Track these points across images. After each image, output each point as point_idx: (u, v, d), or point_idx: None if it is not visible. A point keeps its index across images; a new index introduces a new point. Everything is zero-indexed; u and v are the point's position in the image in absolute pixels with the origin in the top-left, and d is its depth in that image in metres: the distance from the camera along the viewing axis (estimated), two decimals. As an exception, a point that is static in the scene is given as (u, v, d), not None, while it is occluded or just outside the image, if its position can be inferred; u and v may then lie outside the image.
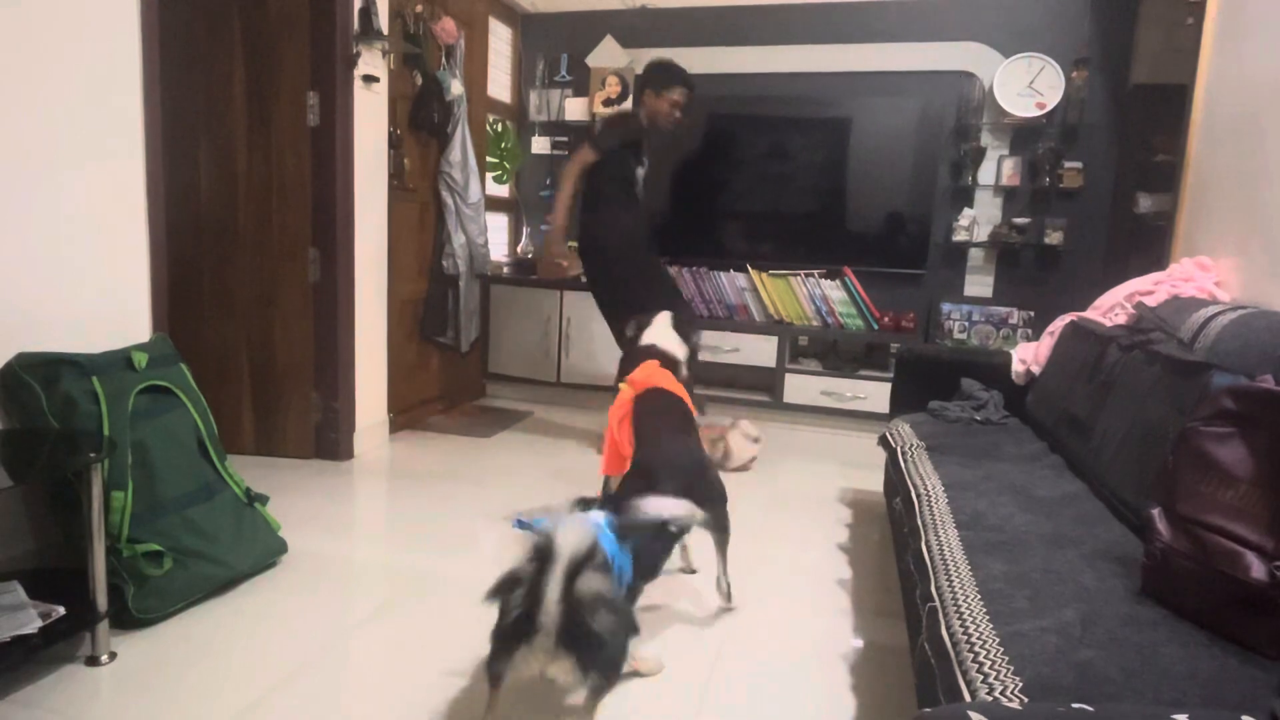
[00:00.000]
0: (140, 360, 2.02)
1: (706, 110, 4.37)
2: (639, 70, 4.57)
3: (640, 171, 3.46)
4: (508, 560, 1.39)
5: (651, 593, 2.09)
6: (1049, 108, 3.90)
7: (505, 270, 4.53)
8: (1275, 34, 2.04)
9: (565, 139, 4.68)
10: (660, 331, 2.51)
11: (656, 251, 3.66)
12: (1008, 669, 1.06)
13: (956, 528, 1.62)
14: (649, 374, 2.19)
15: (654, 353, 2.38)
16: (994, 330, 4.06)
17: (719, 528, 1.99)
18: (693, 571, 2.27)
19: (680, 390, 2.18)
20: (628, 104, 4.55)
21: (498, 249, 4.61)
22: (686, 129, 4.36)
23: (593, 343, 4.21)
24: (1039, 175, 4.00)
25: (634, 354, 2.41)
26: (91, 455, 1.67)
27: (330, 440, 3.20)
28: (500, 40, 4.54)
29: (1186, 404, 1.52)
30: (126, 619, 1.84)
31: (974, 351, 3.68)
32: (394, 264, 3.50)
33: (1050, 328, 2.63)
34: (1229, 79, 2.30)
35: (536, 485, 3.06)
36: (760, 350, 4.18)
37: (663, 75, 3.36)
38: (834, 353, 4.31)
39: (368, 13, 3.04)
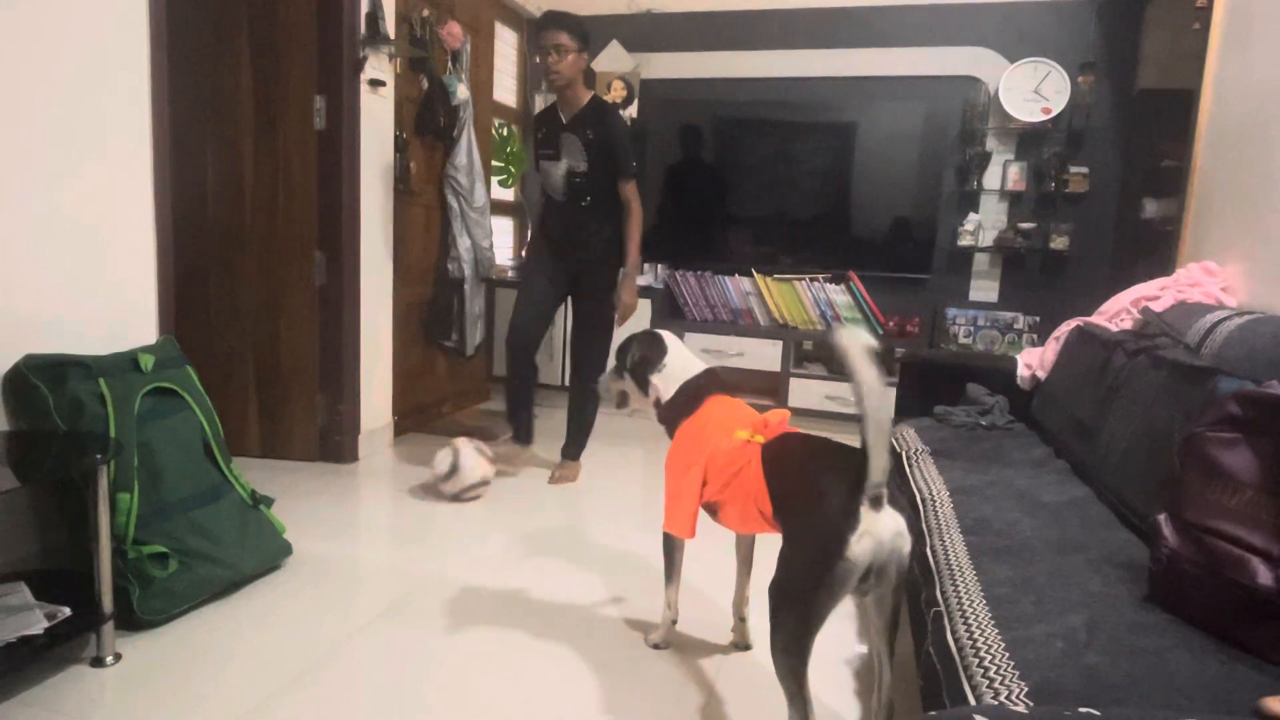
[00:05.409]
0: (147, 362, 2.03)
1: (711, 114, 4.38)
2: (645, 75, 4.56)
3: (553, 166, 3.09)
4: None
5: (655, 601, 2.09)
6: (1055, 113, 3.89)
7: (510, 274, 4.53)
8: (1282, 39, 2.04)
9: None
10: (686, 354, 1.92)
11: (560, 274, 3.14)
12: (1013, 674, 1.06)
13: (962, 533, 1.62)
14: (780, 418, 1.79)
15: (720, 384, 1.86)
16: (999, 335, 4.06)
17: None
18: (747, 648, 1.95)
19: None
20: (633, 109, 4.56)
21: (503, 253, 4.62)
22: (686, 131, 4.39)
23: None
24: (1044, 180, 4.00)
25: (695, 388, 1.84)
26: (98, 457, 1.68)
27: (335, 443, 3.21)
28: (506, 44, 4.55)
29: (1193, 409, 1.52)
30: (132, 620, 1.84)
31: (979, 356, 3.67)
32: (399, 267, 3.51)
33: (1056, 333, 2.62)
34: (1235, 84, 2.30)
35: (540, 489, 3.07)
36: (764, 354, 4.17)
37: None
38: (838, 357, 4.30)
39: (374, 17, 3.05)
